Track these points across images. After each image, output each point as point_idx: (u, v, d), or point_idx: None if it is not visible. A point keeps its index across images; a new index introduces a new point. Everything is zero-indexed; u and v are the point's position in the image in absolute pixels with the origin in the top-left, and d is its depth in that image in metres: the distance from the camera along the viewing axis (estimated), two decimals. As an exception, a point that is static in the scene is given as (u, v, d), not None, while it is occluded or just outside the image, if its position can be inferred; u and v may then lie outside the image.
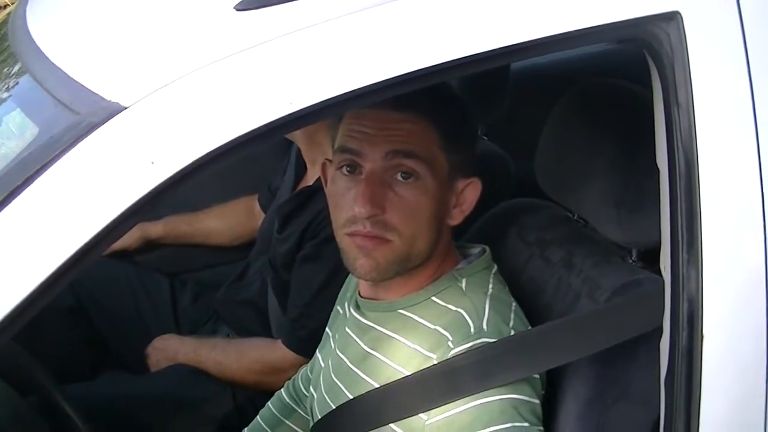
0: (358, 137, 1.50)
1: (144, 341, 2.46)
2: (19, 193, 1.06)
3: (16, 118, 1.32)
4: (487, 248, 1.62)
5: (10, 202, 1.06)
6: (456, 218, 1.56)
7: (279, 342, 2.20)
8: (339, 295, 1.79)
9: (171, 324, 2.55)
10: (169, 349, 2.34)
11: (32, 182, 1.06)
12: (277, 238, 2.28)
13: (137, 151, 1.06)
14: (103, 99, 1.10)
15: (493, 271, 1.59)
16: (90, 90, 1.13)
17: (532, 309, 1.57)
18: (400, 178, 1.48)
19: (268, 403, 1.97)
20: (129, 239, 2.63)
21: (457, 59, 1.14)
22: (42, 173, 1.06)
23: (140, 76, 1.12)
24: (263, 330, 2.33)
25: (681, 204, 1.20)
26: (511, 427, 1.39)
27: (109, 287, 2.57)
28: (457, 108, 1.57)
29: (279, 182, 2.46)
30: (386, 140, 1.48)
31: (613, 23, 1.19)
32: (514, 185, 2.23)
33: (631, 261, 1.53)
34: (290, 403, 1.92)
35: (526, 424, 1.40)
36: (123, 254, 2.65)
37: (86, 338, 2.50)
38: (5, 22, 1.59)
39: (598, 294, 1.49)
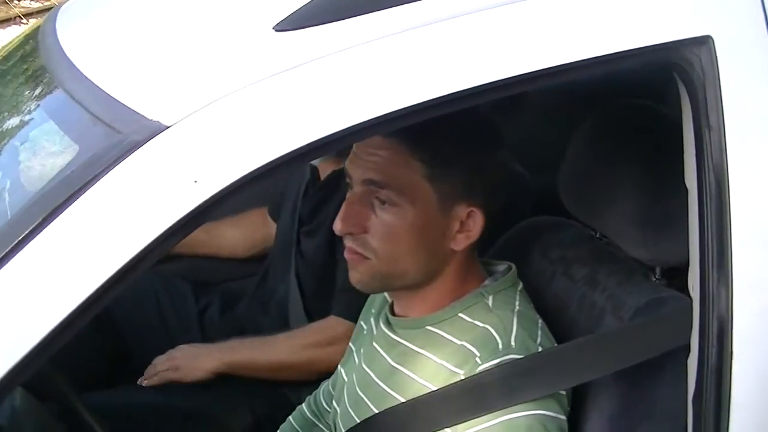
0: (350, 158, 1.55)
1: (169, 349, 2.49)
2: (61, 212, 1.07)
3: (53, 135, 1.33)
4: (513, 265, 1.64)
5: (53, 220, 1.07)
6: (460, 243, 1.55)
7: (327, 319, 2.23)
8: (362, 312, 1.80)
9: (197, 337, 2.56)
10: (200, 354, 2.31)
11: (75, 200, 1.08)
12: (304, 232, 2.35)
13: (180, 170, 1.08)
14: (144, 118, 1.12)
15: (519, 288, 1.61)
16: (131, 109, 1.15)
17: (557, 326, 1.59)
18: (379, 203, 1.52)
19: (289, 417, 1.98)
20: None
21: (491, 82, 1.16)
22: (85, 191, 1.08)
23: (181, 95, 1.14)
24: None
25: (711, 224, 1.22)
26: None
27: (134, 296, 2.58)
28: (446, 137, 1.51)
29: (284, 190, 2.51)
30: (365, 167, 1.52)
31: (646, 47, 1.21)
32: (533, 202, 2.24)
33: (654, 279, 1.54)
34: (311, 417, 1.94)
35: (553, 440, 1.42)
36: None
37: (111, 347, 2.52)
38: (32, 36, 1.59)
39: (623, 311, 1.51)
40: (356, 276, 1.58)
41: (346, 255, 1.57)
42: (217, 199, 1.08)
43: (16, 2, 8.95)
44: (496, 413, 1.44)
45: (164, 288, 2.62)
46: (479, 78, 1.16)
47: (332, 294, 2.21)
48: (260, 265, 2.59)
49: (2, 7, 8.81)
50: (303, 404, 1.99)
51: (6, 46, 1.82)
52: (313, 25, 1.17)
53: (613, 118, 1.62)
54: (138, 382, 2.28)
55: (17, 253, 1.07)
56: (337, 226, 1.54)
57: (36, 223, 1.07)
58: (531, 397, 1.43)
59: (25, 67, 1.57)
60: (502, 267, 1.65)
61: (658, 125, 1.51)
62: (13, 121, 1.48)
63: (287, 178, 2.50)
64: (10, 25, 8.54)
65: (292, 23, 1.17)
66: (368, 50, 1.15)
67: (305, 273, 2.32)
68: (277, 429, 1.98)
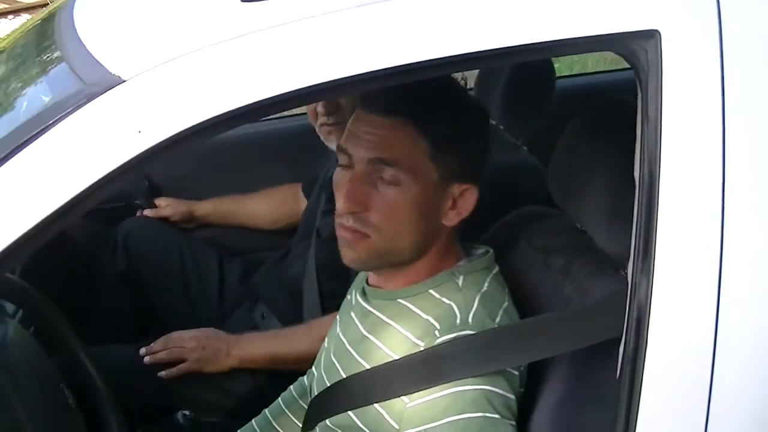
0: (351, 139, 1.59)
1: (188, 312, 2.60)
2: (24, 147, 1.17)
3: (46, 85, 1.44)
4: (491, 250, 1.68)
5: (14, 155, 1.17)
6: (452, 220, 1.61)
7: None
8: (353, 284, 1.87)
9: (215, 300, 2.66)
10: (220, 348, 2.31)
11: (35, 140, 1.17)
12: (324, 210, 2.37)
13: (128, 121, 1.16)
14: (108, 71, 1.21)
15: (494, 271, 1.65)
16: (99, 63, 1.25)
17: (530, 312, 1.62)
18: (383, 181, 1.56)
19: (290, 387, 2.05)
20: (176, 213, 2.78)
21: (436, 59, 1.20)
22: (44, 133, 1.17)
23: (143, 53, 1.23)
24: (296, 312, 2.40)
25: (641, 214, 1.24)
26: (481, 416, 1.45)
27: (161, 255, 2.70)
28: (448, 116, 1.59)
29: (320, 170, 2.56)
30: (371, 146, 1.56)
31: (596, 36, 1.24)
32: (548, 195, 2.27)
33: (623, 272, 1.57)
34: (308, 386, 2.01)
35: (497, 416, 1.46)
36: (175, 225, 2.80)
37: (135, 302, 2.63)
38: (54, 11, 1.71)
39: (587, 302, 1.54)
40: (352, 254, 1.61)
41: (344, 234, 1.60)
42: (157, 150, 1.15)
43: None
44: (446, 385, 1.49)
45: (190, 251, 2.72)
46: (430, 52, 1.20)
47: (346, 274, 2.25)
48: (287, 239, 2.67)
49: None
50: (304, 376, 2.06)
51: (32, 19, 1.96)
52: (277, -3, 1.23)
53: (596, 113, 1.64)
54: (160, 374, 2.29)
55: None
56: (342, 205, 1.58)
57: (4, 154, 1.18)
58: (480, 372, 1.48)
59: (44, 31, 1.67)
60: (480, 250, 1.69)
61: (632, 120, 1.53)
62: (31, 74, 1.57)
63: (327, 158, 2.55)
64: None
65: (258, -5, 1.24)
66: (325, 21, 1.20)
67: (321, 253, 2.36)
68: (278, 396, 2.05)
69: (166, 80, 1.18)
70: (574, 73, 4.57)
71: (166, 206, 2.81)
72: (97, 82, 1.19)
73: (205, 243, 2.80)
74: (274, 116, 3.02)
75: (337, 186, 1.62)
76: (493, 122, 2.50)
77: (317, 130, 2.37)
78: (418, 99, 1.55)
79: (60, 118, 1.17)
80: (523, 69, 2.29)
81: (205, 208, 2.84)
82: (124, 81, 1.18)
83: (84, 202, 1.16)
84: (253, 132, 2.96)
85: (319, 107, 2.32)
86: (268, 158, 2.93)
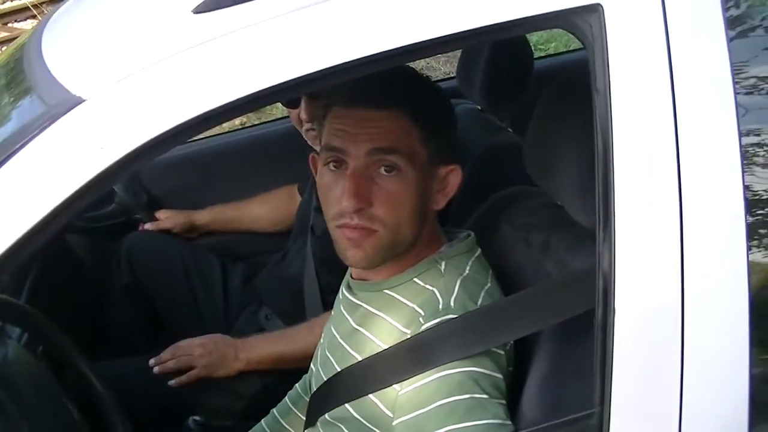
0: (341, 135, 1.59)
1: (195, 320, 2.64)
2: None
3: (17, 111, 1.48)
4: (472, 234, 1.71)
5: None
6: (439, 203, 1.65)
7: None
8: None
9: (221, 306, 2.70)
10: (227, 353, 2.35)
11: (2, 166, 1.21)
12: (316, 207, 2.39)
13: (90, 139, 1.19)
14: (68, 92, 1.25)
15: (476, 254, 1.68)
16: (61, 84, 1.29)
17: (515, 292, 1.64)
18: (383, 171, 1.58)
19: (296, 385, 2.09)
20: (177, 225, 2.83)
21: (383, 52, 1.23)
22: (11, 158, 1.21)
23: (101, 72, 1.27)
24: (299, 310, 2.44)
25: (599, 186, 1.27)
26: (469, 398, 1.48)
27: (164, 266, 2.74)
28: (433, 99, 1.66)
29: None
30: (368, 138, 1.58)
31: (540, 15, 1.26)
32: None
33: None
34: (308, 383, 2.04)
35: (485, 396, 1.48)
36: (176, 236, 2.84)
37: (143, 314, 2.68)
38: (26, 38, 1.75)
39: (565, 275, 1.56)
40: (360, 254, 1.61)
41: (349, 234, 1.59)
42: (120, 165, 1.18)
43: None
44: (433, 370, 1.51)
45: (193, 260, 2.76)
46: (375, 46, 1.23)
47: (343, 269, 2.27)
48: (287, 240, 2.71)
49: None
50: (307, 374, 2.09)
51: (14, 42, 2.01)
52: (227, 6, 1.26)
53: (566, 86, 1.66)
54: (170, 383, 2.33)
55: None
56: (351, 203, 1.56)
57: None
58: (465, 354, 1.50)
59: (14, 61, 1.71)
60: (462, 234, 1.72)
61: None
62: (6, 101, 1.61)
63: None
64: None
65: (208, 5, 1.27)
66: (271, 25, 1.23)
67: (317, 249, 2.39)
68: (285, 396, 2.09)
69: (125, 96, 1.21)
70: (570, 49, 4.58)
71: (167, 218, 2.85)
72: (60, 103, 1.23)
73: (207, 250, 2.84)
74: (264, 121, 3.07)
75: (328, 188, 1.62)
76: (477, 107, 2.53)
77: (304, 135, 2.41)
78: (403, 87, 1.59)
79: (26, 141, 1.21)
80: (501, 52, 2.31)
81: (205, 216, 2.88)
82: (85, 100, 1.21)
83: (55, 220, 1.19)
84: (245, 137, 3.01)
85: (302, 114, 2.35)
86: (262, 162, 2.96)
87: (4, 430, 1.55)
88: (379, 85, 1.57)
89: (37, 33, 1.62)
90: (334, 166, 1.61)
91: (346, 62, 1.23)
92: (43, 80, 1.36)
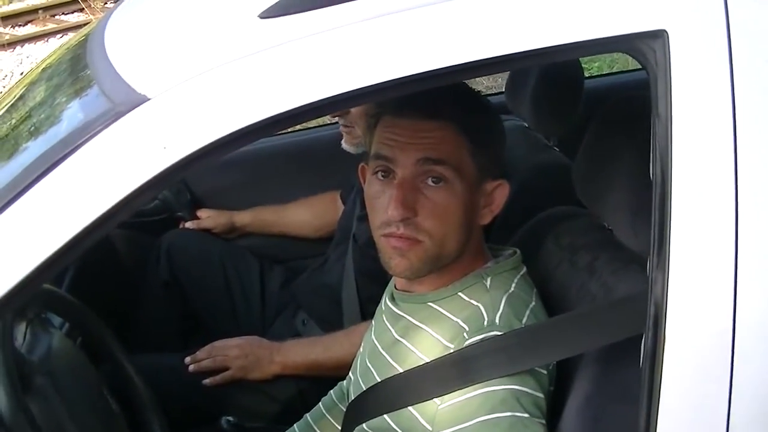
0: (391, 144, 1.61)
1: (231, 321, 2.66)
2: (55, 168, 1.22)
3: (79, 107, 1.49)
4: (518, 251, 1.71)
5: (48, 174, 1.23)
6: (485, 218, 1.66)
7: None
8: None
9: (258, 308, 2.72)
10: (263, 356, 2.36)
11: (66, 159, 1.22)
12: (359, 216, 2.40)
13: (153, 138, 1.21)
14: (134, 91, 1.26)
15: (521, 272, 1.68)
16: (126, 83, 1.30)
17: (558, 312, 1.65)
18: (430, 182, 1.59)
19: (330, 391, 2.10)
20: (217, 224, 2.84)
21: (454, 65, 1.23)
22: (74, 152, 1.22)
23: (167, 72, 1.28)
24: (336, 317, 2.44)
25: (656, 211, 1.27)
26: (511, 416, 1.48)
27: (203, 265, 2.77)
28: (483, 114, 1.66)
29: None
30: (417, 148, 1.59)
31: (604, 38, 1.26)
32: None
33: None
34: (346, 391, 2.05)
35: (526, 415, 1.48)
36: (216, 236, 2.86)
37: (180, 312, 2.70)
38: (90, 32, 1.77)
39: (612, 299, 1.56)
40: (405, 263, 1.62)
41: (395, 243, 1.60)
42: (181, 165, 1.20)
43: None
44: (476, 386, 1.52)
45: (231, 260, 2.78)
46: (447, 60, 1.24)
47: (383, 279, 2.28)
48: (327, 246, 2.72)
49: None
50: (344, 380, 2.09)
51: (67, 42, 2.03)
52: (294, 13, 1.27)
53: (619, 109, 1.66)
54: (204, 382, 2.35)
55: (21, 197, 1.23)
56: (398, 212, 1.57)
57: (36, 176, 1.23)
58: (509, 372, 1.50)
59: (80, 51, 1.73)
60: (508, 251, 1.72)
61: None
62: (69, 93, 1.63)
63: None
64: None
65: (275, 11, 1.28)
66: (338, 34, 1.24)
67: (358, 258, 2.40)
68: (320, 401, 2.10)
69: (189, 97, 1.22)
70: (613, 71, 4.57)
71: (208, 217, 2.87)
72: (124, 102, 1.25)
73: (246, 252, 2.85)
74: (309, 126, 3.08)
75: (375, 197, 1.64)
76: (525, 124, 2.53)
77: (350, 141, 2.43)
78: (456, 100, 1.60)
79: (89, 137, 1.22)
80: (552, 70, 2.31)
81: (245, 218, 2.90)
82: (149, 99, 1.23)
83: (114, 216, 1.21)
84: (291, 141, 3.02)
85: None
86: (304, 167, 2.97)
87: (45, 416, 1.57)
88: (430, 96, 1.57)
89: (100, 28, 1.64)
90: (383, 176, 1.63)
91: (408, 76, 1.24)
92: (107, 77, 1.37)
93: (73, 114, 1.45)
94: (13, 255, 1.22)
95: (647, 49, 1.26)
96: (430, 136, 1.59)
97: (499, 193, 1.66)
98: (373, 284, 2.26)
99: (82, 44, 1.71)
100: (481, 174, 1.63)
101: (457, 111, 1.60)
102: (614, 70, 5.14)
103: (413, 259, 1.62)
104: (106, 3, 10.35)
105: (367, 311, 2.34)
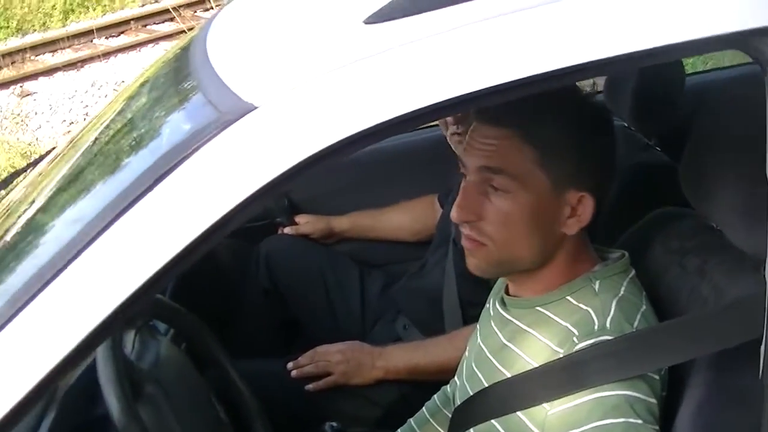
0: (466, 149, 1.62)
1: (332, 326, 2.67)
2: (164, 178, 1.23)
3: (183, 116, 1.51)
4: (626, 254, 1.68)
5: (157, 185, 1.23)
6: (572, 228, 1.61)
7: None
8: (491, 293, 1.89)
9: (358, 313, 2.72)
10: (365, 361, 2.38)
11: (176, 169, 1.23)
12: None
13: (261, 146, 1.21)
14: (240, 99, 1.27)
15: (630, 275, 1.65)
16: (232, 91, 1.30)
17: (668, 316, 1.61)
18: (492, 190, 1.58)
19: (434, 396, 2.09)
20: (316, 230, 2.85)
21: (565, 67, 1.21)
22: (183, 162, 1.23)
23: (273, 80, 1.28)
24: (437, 321, 2.43)
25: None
26: (624, 422, 1.45)
27: (302, 272, 2.79)
28: (556, 123, 1.59)
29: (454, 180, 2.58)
30: (479, 154, 1.59)
31: (718, 35, 1.23)
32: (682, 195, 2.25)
33: (762, 272, 1.54)
34: (451, 395, 2.04)
35: (639, 421, 1.45)
36: (315, 241, 2.87)
37: (281, 319, 2.72)
38: (190, 41, 1.79)
39: (724, 302, 1.52)
40: (474, 262, 1.66)
41: (464, 242, 1.65)
42: (290, 174, 1.20)
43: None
44: (587, 391, 1.49)
45: (331, 266, 2.79)
46: (558, 62, 1.22)
47: (485, 282, 2.27)
48: (426, 250, 2.71)
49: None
50: (448, 385, 2.08)
51: (172, 48, 2.05)
52: (399, 17, 1.27)
53: (726, 108, 1.62)
54: (307, 387, 2.38)
55: (131, 208, 1.23)
56: (454, 214, 1.63)
57: (145, 187, 1.24)
58: (620, 377, 1.48)
59: (182, 60, 1.75)
60: (615, 254, 1.69)
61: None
62: (173, 103, 1.65)
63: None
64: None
65: (380, 16, 1.28)
66: (445, 38, 1.23)
67: (459, 261, 2.37)
68: (423, 405, 2.09)
69: (297, 105, 1.22)
70: (708, 68, 4.48)
71: (306, 223, 2.89)
72: (231, 110, 1.25)
73: (345, 257, 2.86)
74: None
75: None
76: (624, 123, 2.49)
77: (448, 138, 2.41)
78: (523, 107, 1.54)
79: (198, 146, 1.23)
80: (652, 69, 2.27)
81: (344, 223, 2.91)
82: (257, 108, 1.23)
83: (224, 226, 1.22)
84: (387, 145, 2.99)
85: (449, 117, 2.35)
86: (402, 170, 2.97)
87: (156, 424, 1.59)
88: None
89: (201, 37, 1.66)
90: (463, 176, 1.64)
91: (512, 81, 1.22)
92: (212, 86, 1.38)
93: (178, 125, 1.46)
94: (126, 266, 1.23)
95: (763, 45, 1.22)
96: (493, 143, 1.58)
97: (586, 205, 1.61)
98: (473, 287, 2.26)
99: (183, 55, 1.73)
100: (558, 185, 1.59)
101: (525, 121, 1.56)
102: (709, 67, 5.03)
103: (480, 260, 1.65)
104: (195, 12, 10.52)
105: (467, 314, 2.33)
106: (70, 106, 8.39)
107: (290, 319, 2.74)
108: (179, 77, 1.64)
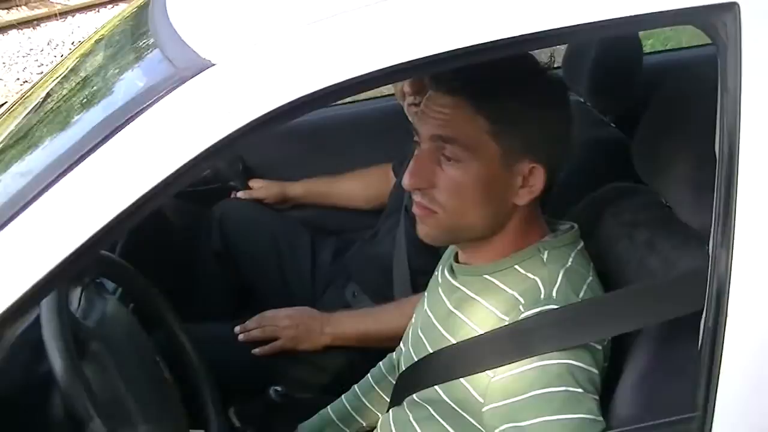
0: (420, 117, 1.63)
1: (282, 291, 2.66)
2: (117, 132, 1.22)
3: (140, 71, 1.50)
4: (576, 226, 1.70)
5: (112, 137, 1.23)
6: (523, 198, 1.62)
7: None
8: (440, 261, 1.90)
9: (308, 278, 2.71)
10: (313, 327, 2.37)
11: (130, 123, 1.22)
12: None
13: (217, 104, 1.21)
14: (198, 56, 1.26)
15: (579, 247, 1.66)
16: (190, 48, 1.30)
17: (616, 287, 1.63)
18: (444, 158, 1.59)
19: (380, 363, 2.10)
20: (269, 195, 2.85)
21: (520, 35, 1.22)
22: (138, 116, 1.22)
23: (231, 37, 1.28)
24: (387, 289, 2.44)
25: (721, 188, 1.25)
26: (564, 390, 1.47)
27: (255, 236, 2.77)
28: (509, 94, 1.58)
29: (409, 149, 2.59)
30: (433, 123, 1.60)
31: (675, 10, 1.24)
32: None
33: (706, 246, 1.56)
34: (396, 362, 2.05)
35: (580, 390, 1.47)
36: (268, 206, 2.87)
37: (231, 282, 2.71)
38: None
39: (672, 274, 1.54)
40: (425, 230, 1.67)
41: (415, 210, 1.66)
42: (244, 132, 1.19)
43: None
44: (530, 359, 1.51)
45: (283, 231, 2.78)
46: (510, 29, 1.23)
47: (435, 250, 2.28)
48: (378, 218, 2.71)
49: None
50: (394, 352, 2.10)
51: (129, 6, 2.03)
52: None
53: (680, 88, 1.64)
54: (254, 352, 2.36)
55: (82, 161, 1.22)
56: (406, 181, 1.63)
57: (97, 141, 1.23)
58: (564, 346, 1.49)
59: (140, 18, 1.73)
60: (565, 226, 1.71)
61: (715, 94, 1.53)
62: (128, 60, 1.63)
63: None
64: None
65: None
66: (402, 1, 1.23)
67: (411, 229, 2.37)
68: (367, 373, 2.11)
69: (254, 63, 1.22)
70: (666, 48, 4.51)
71: (260, 188, 2.88)
72: (188, 66, 1.24)
73: (297, 223, 2.86)
74: (360, 98, 3.07)
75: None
76: (581, 99, 2.51)
77: (405, 109, 2.41)
78: (476, 77, 1.55)
79: (154, 101, 1.22)
80: (610, 46, 2.29)
81: (297, 189, 2.90)
82: (214, 65, 1.22)
83: (176, 182, 1.21)
84: (344, 113, 3.01)
85: (406, 87, 2.35)
86: (358, 139, 2.97)
87: (100, 382, 1.58)
88: (451, 70, 1.54)
89: None
90: (416, 144, 1.65)
91: (468, 46, 1.23)
92: (170, 42, 1.37)
93: (134, 81, 1.45)
94: (72, 221, 1.22)
95: (718, 22, 1.24)
96: (445, 112, 1.58)
97: (537, 176, 1.61)
98: (423, 255, 2.26)
99: (141, 12, 1.72)
100: (510, 155, 1.59)
101: (478, 90, 1.56)
102: (668, 47, 5.07)
103: (431, 228, 1.65)
104: (156, -26, 10.36)
105: (417, 282, 2.34)
106: (25, 64, 8.27)
107: (241, 283, 2.73)
108: (137, 34, 1.63)
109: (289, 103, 1.20)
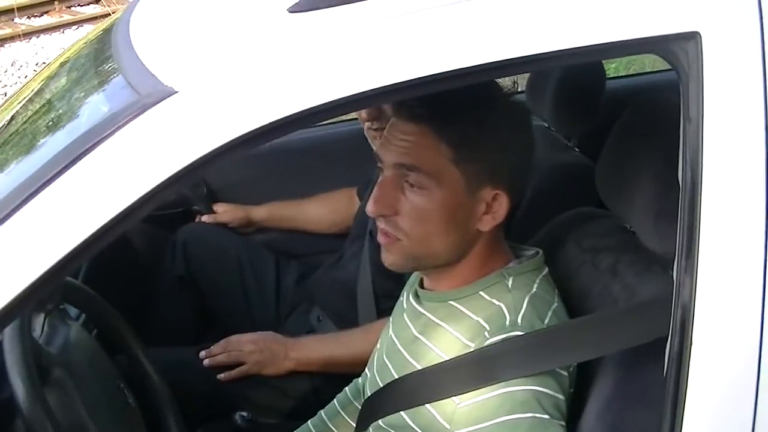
0: (383, 144, 1.63)
1: (246, 316, 2.65)
2: (80, 160, 1.21)
3: (104, 97, 1.49)
4: (541, 251, 1.70)
5: (74, 165, 1.21)
6: (486, 224, 1.62)
7: None
8: (405, 286, 1.90)
9: (272, 303, 2.71)
10: (278, 352, 2.35)
11: (92, 150, 1.21)
12: None
13: (180, 131, 1.20)
14: (161, 83, 1.25)
15: (543, 273, 1.67)
16: (153, 75, 1.29)
17: (579, 313, 1.64)
18: (408, 186, 1.59)
19: (345, 388, 2.09)
20: (234, 219, 2.84)
21: (485, 64, 1.23)
22: (100, 144, 1.21)
23: (195, 65, 1.27)
24: (352, 313, 2.43)
25: (684, 213, 1.26)
26: (531, 417, 1.47)
27: (219, 260, 2.76)
28: (471, 122, 1.59)
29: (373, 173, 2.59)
30: (395, 151, 1.60)
31: (637, 39, 1.25)
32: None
33: (670, 272, 1.57)
34: (362, 388, 2.04)
35: (546, 417, 1.48)
36: (232, 230, 2.86)
37: (195, 306, 2.70)
38: (112, 24, 1.77)
39: (635, 301, 1.55)
40: (390, 258, 1.66)
41: (380, 238, 1.66)
42: (208, 159, 1.19)
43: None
44: (496, 385, 1.51)
45: (247, 255, 2.77)
46: (480, 57, 1.23)
47: (399, 275, 2.27)
48: (343, 242, 2.71)
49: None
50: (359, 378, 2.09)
51: (94, 29, 2.02)
52: (323, 7, 1.27)
53: (643, 113, 1.65)
54: (219, 377, 2.34)
55: (45, 189, 1.21)
56: (370, 208, 1.63)
57: (62, 166, 1.21)
58: (529, 372, 1.50)
59: (103, 42, 1.72)
60: (530, 252, 1.71)
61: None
62: (92, 84, 1.62)
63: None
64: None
65: (304, 5, 1.28)
66: (367, 31, 1.24)
67: (375, 254, 2.37)
68: (333, 398, 2.09)
69: (217, 91, 1.21)
70: (630, 73, 4.56)
71: (224, 212, 2.87)
72: (151, 94, 1.24)
73: (262, 247, 2.85)
74: (328, 122, 3.07)
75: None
76: (545, 124, 2.52)
77: (366, 133, 2.41)
78: (438, 105, 1.55)
79: (115, 129, 1.21)
80: (573, 71, 2.30)
81: (262, 213, 2.89)
82: (177, 92, 1.22)
83: (139, 209, 1.20)
84: (308, 137, 3.00)
85: (363, 113, 2.35)
86: (323, 162, 2.96)
87: (63, 408, 1.57)
88: (414, 98, 1.54)
89: (124, 20, 1.63)
90: (380, 171, 1.65)
91: (430, 75, 1.23)
92: (133, 69, 1.37)
93: (97, 107, 1.44)
94: (36, 249, 1.21)
95: (680, 50, 1.25)
96: (408, 140, 1.58)
97: (500, 203, 1.61)
98: (388, 280, 2.26)
99: (105, 36, 1.71)
100: (473, 182, 1.59)
101: (440, 117, 1.56)
102: (631, 71, 5.12)
103: (395, 255, 1.65)
104: (122, -5, 10.36)
105: (382, 307, 2.34)
106: (-11, 85, 8.21)
107: (205, 307, 2.71)
108: (100, 59, 1.62)
109: (251, 131, 1.19)
